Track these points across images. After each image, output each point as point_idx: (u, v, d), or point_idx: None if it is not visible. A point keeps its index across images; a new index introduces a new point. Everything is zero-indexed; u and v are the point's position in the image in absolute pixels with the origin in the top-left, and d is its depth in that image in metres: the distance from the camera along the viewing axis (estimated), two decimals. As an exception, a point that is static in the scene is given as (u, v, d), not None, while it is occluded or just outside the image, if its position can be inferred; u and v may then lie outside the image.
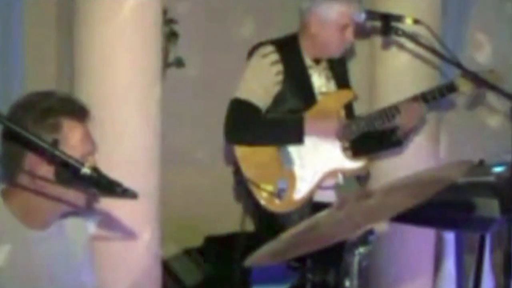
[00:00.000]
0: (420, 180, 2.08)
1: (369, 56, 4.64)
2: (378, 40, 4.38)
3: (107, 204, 2.24)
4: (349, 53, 4.15)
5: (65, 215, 2.31)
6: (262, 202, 3.55)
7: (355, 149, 3.75)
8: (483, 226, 3.00)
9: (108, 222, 2.91)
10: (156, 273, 3.68)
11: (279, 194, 3.49)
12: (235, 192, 4.09)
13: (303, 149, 3.63)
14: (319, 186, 3.62)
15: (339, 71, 3.83)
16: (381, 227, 4.36)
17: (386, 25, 3.36)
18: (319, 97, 3.70)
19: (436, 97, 3.66)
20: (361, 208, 1.88)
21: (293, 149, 3.64)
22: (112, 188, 1.80)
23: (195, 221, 4.97)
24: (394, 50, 4.27)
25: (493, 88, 3.33)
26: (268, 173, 3.59)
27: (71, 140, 2.13)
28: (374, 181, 4.55)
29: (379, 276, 4.50)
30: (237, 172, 3.62)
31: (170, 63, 4.90)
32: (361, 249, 1.87)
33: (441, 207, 3.15)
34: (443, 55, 3.32)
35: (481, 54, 5.25)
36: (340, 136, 3.67)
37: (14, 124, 1.90)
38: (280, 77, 3.61)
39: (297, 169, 3.61)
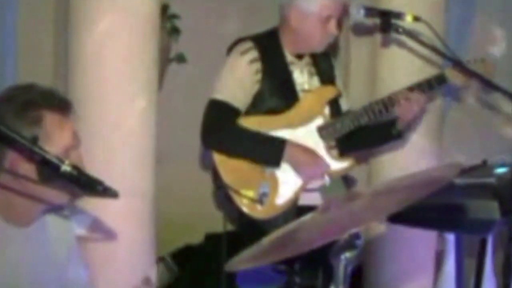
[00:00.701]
0: (409, 183, 2.01)
1: (371, 53, 4.59)
2: (379, 37, 4.32)
3: (101, 203, 2.21)
4: (333, 47, 4.02)
5: (48, 211, 2.27)
6: (244, 209, 3.39)
7: (346, 147, 3.63)
8: (482, 228, 2.95)
9: (99, 224, 2.87)
10: (151, 272, 3.60)
11: (260, 199, 3.32)
12: (215, 198, 3.96)
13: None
14: (303, 189, 3.47)
15: (323, 66, 3.67)
16: (380, 227, 4.32)
17: (385, 22, 3.28)
18: (301, 95, 3.55)
19: (424, 90, 3.52)
20: (347, 211, 1.82)
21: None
22: (92, 186, 1.75)
23: (195, 219, 4.93)
24: (394, 47, 4.20)
25: (483, 79, 3.25)
26: (248, 178, 3.43)
27: (52, 133, 2.08)
28: (373, 181, 4.53)
29: (378, 277, 4.47)
30: (216, 177, 3.48)
31: (172, 58, 4.86)
32: (347, 254, 1.81)
33: (440, 208, 3.11)
34: (444, 53, 3.27)
35: (489, 45, 5.15)
36: (324, 135, 3.53)
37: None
38: (259, 76, 3.45)
39: (279, 173, 3.46)
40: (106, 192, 1.74)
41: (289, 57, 3.56)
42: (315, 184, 3.40)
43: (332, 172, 3.46)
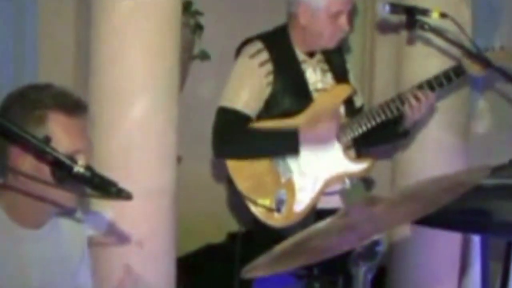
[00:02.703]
0: (436, 187, 1.94)
1: (396, 51, 4.53)
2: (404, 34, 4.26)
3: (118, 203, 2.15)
4: (345, 43, 3.94)
5: (61, 214, 2.25)
6: (260, 217, 3.29)
7: (359, 145, 3.54)
8: (509, 231, 2.90)
9: (114, 227, 2.84)
10: (171, 271, 3.59)
11: (278, 207, 3.20)
12: (229, 205, 3.88)
13: (301, 156, 3.37)
14: (322, 194, 3.38)
15: (336, 62, 3.58)
16: (404, 230, 4.26)
17: (411, 19, 3.24)
18: (315, 95, 3.45)
19: (443, 83, 3.40)
20: (368, 216, 1.75)
21: (290, 157, 3.39)
22: (106, 187, 1.71)
23: (218, 217, 4.91)
24: (420, 44, 4.13)
25: (500, 70, 3.17)
26: (264, 185, 3.33)
27: (56, 134, 2.03)
28: (397, 179, 4.48)
29: (402, 280, 4.43)
30: (231, 184, 3.38)
31: (195, 55, 4.83)
32: (367, 261, 1.75)
33: (465, 210, 3.05)
34: (470, 50, 3.20)
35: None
36: (341, 135, 3.43)
37: (3, 115, 1.96)
38: (271, 78, 3.35)
39: (296, 178, 3.36)
40: (120, 193, 1.72)
41: (301, 56, 3.47)
42: (335, 187, 3.29)
43: (350, 175, 3.34)
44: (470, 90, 4.50)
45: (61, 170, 1.74)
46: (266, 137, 3.35)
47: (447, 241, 4.28)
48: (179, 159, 3.69)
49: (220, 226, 4.91)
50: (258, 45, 3.39)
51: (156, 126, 3.44)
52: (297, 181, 3.35)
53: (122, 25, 3.39)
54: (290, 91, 3.37)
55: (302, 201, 3.35)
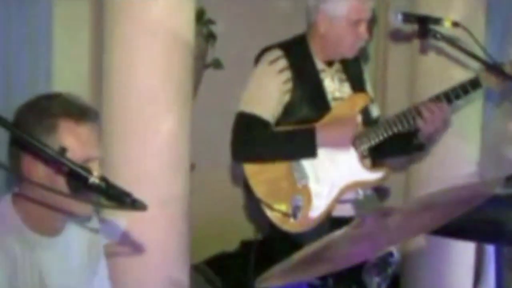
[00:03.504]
0: (449, 199, 1.93)
1: (409, 60, 4.53)
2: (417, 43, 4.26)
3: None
4: (363, 53, 3.92)
5: (76, 223, 2.27)
6: (276, 222, 3.29)
7: (375, 155, 3.53)
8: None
9: (128, 236, 2.85)
10: (184, 280, 3.60)
11: (294, 213, 3.16)
12: (245, 211, 3.88)
13: (318, 162, 3.37)
14: (337, 201, 3.38)
15: (353, 72, 3.58)
16: (418, 239, 4.25)
17: (423, 28, 3.22)
18: (332, 103, 3.45)
19: (460, 96, 3.38)
20: (382, 227, 1.75)
21: (306, 163, 3.37)
22: (121, 198, 1.72)
23: (230, 225, 4.92)
24: (432, 54, 4.13)
25: None
26: (281, 190, 3.33)
27: (67, 142, 2.04)
28: (411, 189, 4.48)
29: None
30: (248, 190, 3.38)
31: (208, 64, 4.85)
32: (381, 272, 1.75)
33: (480, 220, 3.04)
34: (483, 60, 3.19)
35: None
36: (357, 144, 3.42)
37: (17, 125, 1.97)
38: (290, 85, 3.35)
39: (312, 185, 3.35)
40: (134, 204, 1.72)
41: (319, 65, 3.47)
42: (350, 195, 3.30)
43: (365, 184, 3.39)
44: (483, 100, 4.50)
45: (77, 180, 1.74)
46: (283, 137, 3.36)
47: (461, 250, 4.28)
48: (192, 167, 3.70)
49: (234, 234, 4.91)
50: (278, 52, 3.40)
51: (169, 134, 3.46)
52: (313, 187, 3.35)
53: (135, 34, 3.41)
54: (309, 99, 3.38)
55: (317, 208, 3.35)
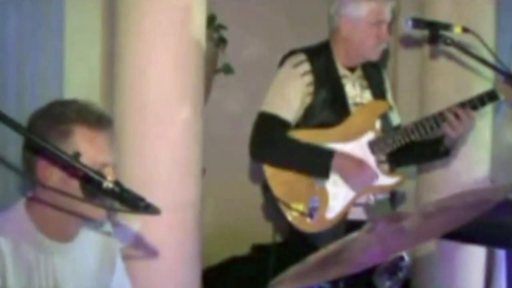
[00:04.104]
0: (459, 204, 1.94)
1: (419, 65, 4.54)
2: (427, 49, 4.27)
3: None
4: (384, 59, 3.93)
5: (90, 228, 2.29)
6: (293, 222, 3.35)
7: (395, 161, 3.55)
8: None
9: (142, 240, 2.87)
10: (196, 283, 3.63)
11: (310, 213, 3.29)
12: (265, 210, 3.91)
13: None
14: (353, 203, 3.40)
15: (374, 80, 3.61)
16: (428, 244, 4.25)
17: (433, 33, 3.24)
18: (352, 108, 3.48)
19: (477, 106, 3.39)
20: (393, 232, 1.76)
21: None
22: (135, 203, 1.73)
23: (241, 229, 4.94)
24: (443, 59, 4.14)
25: None
26: (298, 191, 3.37)
27: (81, 148, 2.05)
28: (422, 195, 4.48)
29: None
30: (266, 189, 3.44)
31: (219, 69, 4.87)
32: (392, 276, 1.77)
33: (490, 225, 3.05)
34: (493, 65, 3.20)
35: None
36: (375, 149, 3.45)
37: (31, 130, 1.99)
38: (311, 88, 3.40)
39: (330, 187, 3.39)
40: (148, 208, 1.72)
41: (342, 70, 3.51)
42: (364, 199, 3.38)
43: (380, 188, 3.43)
44: (493, 108, 4.51)
45: (91, 185, 1.75)
46: (302, 149, 3.39)
47: (472, 254, 4.28)
48: (203, 171, 3.72)
49: (244, 238, 4.93)
50: (301, 56, 3.45)
51: (180, 139, 3.48)
52: (330, 189, 3.39)
53: (146, 40, 3.44)
54: (329, 103, 3.42)
55: (334, 209, 3.39)
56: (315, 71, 3.42)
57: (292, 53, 3.51)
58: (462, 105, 3.39)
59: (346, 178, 3.40)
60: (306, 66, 3.42)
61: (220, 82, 4.85)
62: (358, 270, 1.61)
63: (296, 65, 3.44)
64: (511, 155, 4.78)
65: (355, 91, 3.53)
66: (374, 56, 3.51)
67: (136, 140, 3.43)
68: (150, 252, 3.09)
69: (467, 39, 3.35)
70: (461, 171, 4.33)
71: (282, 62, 3.52)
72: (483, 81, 4.15)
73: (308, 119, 3.43)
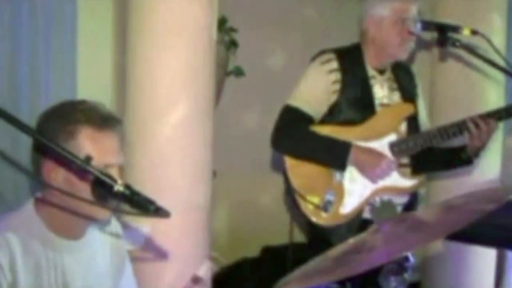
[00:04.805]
0: (462, 205, 1.96)
1: (429, 67, 4.55)
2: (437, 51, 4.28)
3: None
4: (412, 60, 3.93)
5: (99, 228, 2.32)
6: (308, 214, 3.43)
7: (418, 166, 3.59)
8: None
9: (151, 242, 2.88)
10: (206, 285, 3.62)
11: (325, 207, 3.37)
12: (285, 202, 3.97)
13: None
14: (368, 202, 3.44)
15: (405, 83, 3.66)
16: (438, 245, 4.26)
17: (442, 36, 3.26)
18: (379, 109, 3.53)
19: (502, 118, 3.44)
20: (398, 233, 1.79)
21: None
22: (145, 206, 1.75)
23: (252, 231, 4.96)
24: (452, 62, 4.15)
25: None
26: (316, 184, 3.46)
27: (86, 148, 2.07)
28: (433, 198, 4.49)
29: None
30: (286, 181, 3.51)
31: (230, 72, 4.88)
32: (397, 276, 1.80)
33: (499, 226, 3.06)
34: (502, 67, 3.21)
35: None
36: (396, 151, 3.49)
37: (39, 130, 2.04)
38: (337, 86, 3.46)
39: (347, 183, 3.46)
40: (158, 211, 1.73)
41: (371, 71, 3.57)
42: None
43: (397, 189, 3.48)
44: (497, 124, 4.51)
45: (102, 188, 1.77)
46: (320, 142, 3.47)
47: (482, 256, 4.28)
48: (214, 174, 3.74)
49: (254, 241, 4.94)
50: (331, 55, 3.52)
51: (190, 142, 3.51)
52: (347, 185, 3.46)
53: (157, 43, 3.46)
54: (354, 102, 3.48)
55: (348, 205, 3.45)
56: (342, 69, 3.48)
57: (322, 52, 3.58)
58: (488, 115, 3.41)
59: (363, 170, 3.45)
60: (334, 64, 3.49)
61: (231, 84, 4.86)
62: (364, 270, 1.62)
63: (324, 62, 3.50)
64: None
65: (383, 92, 3.58)
66: (401, 55, 3.54)
67: (147, 143, 3.45)
68: (160, 255, 3.11)
69: (477, 41, 3.35)
70: (472, 176, 4.34)
71: (312, 60, 3.59)
72: (493, 83, 4.16)
73: (333, 116, 3.49)
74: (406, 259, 1.78)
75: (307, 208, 3.43)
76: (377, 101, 3.54)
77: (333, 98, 3.47)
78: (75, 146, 2.06)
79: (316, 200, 3.40)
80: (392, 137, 3.52)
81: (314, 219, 3.43)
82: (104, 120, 2.14)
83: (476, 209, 1.89)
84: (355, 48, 3.61)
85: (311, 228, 3.53)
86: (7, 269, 2.03)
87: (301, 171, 3.48)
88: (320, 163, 3.46)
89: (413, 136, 3.53)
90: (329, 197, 3.39)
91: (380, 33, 3.50)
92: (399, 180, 3.49)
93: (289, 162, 3.50)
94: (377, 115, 3.52)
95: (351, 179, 3.46)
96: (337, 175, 3.47)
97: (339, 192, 3.45)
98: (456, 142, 3.54)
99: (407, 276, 1.81)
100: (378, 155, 3.45)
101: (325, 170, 3.47)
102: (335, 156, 3.45)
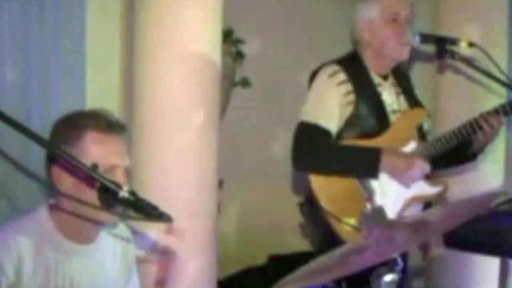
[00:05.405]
0: (446, 213, 2.08)
1: (430, 79, 4.61)
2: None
3: (161, 225, 2.19)
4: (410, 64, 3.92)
5: (109, 232, 2.41)
6: (345, 236, 3.24)
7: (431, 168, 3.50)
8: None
9: (159, 246, 2.95)
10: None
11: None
12: (307, 222, 3.76)
13: (382, 176, 3.37)
14: (401, 214, 3.34)
15: (406, 86, 3.62)
16: (438, 249, 4.29)
17: (441, 48, 3.30)
18: (391, 116, 3.47)
19: (508, 112, 3.39)
20: (387, 237, 1.90)
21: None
22: (148, 211, 1.83)
23: (259, 240, 5.01)
24: (453, 74, 4.21)
25: None
26: (348, 205, 3.28)
27: (91, 150, 2.20)
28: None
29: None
30: (310, 202, 3.38)
31: (236, 82, 4.94)
32: (387, 277, 1.90)
33: (499, 234, 3.12)
34: (499, 79, 3.27)
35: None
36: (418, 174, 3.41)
37: (52, 136, 2.18)
38: (351, 98, 3.37)
39: (379, 199, 3.31)
40: (161, 217, 1.82)
41: (376, 78, 3.51)
42: (412, 211, 3.37)
43: (425, 198, 3.45)
44: (507, 120, 4.56)
45: (108, 194, 1.87)
46: (347, 151, 3.38)
47: (484, 261, 4.28)
48: (220, 183, 3.78)
49: (261, 249, 4.98)
50: (335, 67, 3.43)
51: (197, 152, 3.55)
52: (380, 201, 3.24)
53: (163, 54, 3.51)
54: (370, 113, 3.41)
55: None
56: (351, 80, 3.40)
57: (324, 65, 3.48)
58: (494, 111, 3.39)
59: (396, 174, 3.37)
60: (342, 76, 3.40)
61: (238, 95, 4.91)
62: (358, 270, 1.72)
63: (332, 75, 3.41)
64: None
65: (391, 98, 3.53)
66: (401, 55, 3.48)
67: (154, 154, 3.50)
68: (168, 258, 3.17)
69: (475, 54, 3.41)
70: (475, 184, 4.37)
71: (313, 76, 3.49)
72: (493, 95, 4.21)
73: (350, 129, 3.40)
74: (395, 261, 1.88)
75: (344, 230, 3.25)
76: (388, 108, 3.49)
77: (348, 110, 3.38)
78: (82, 149, 2.18)
79: (352, 221, 3.16)
80: (412, 145, 3.47)
81: (352, 240, 3.25)
82: (109, 125, 2.27)
83: (461, 214, 2.00)
84: (353, 56, 3.54)
85: (328, 243, 3.21)
86: (11, 269, 2.12)
87: (330, 193, 3.34)
88: (350, 175, 3.35)
89: (432, 142, 3.47)
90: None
91: (374, 35, 3.45)
92: (425, 188, 3.44)
93: (317, 184, 3.36)
94: (394, 124, 3.46)
95: (382, 194, 3.36)
96: (367, 192, 3.34)
97: None
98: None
99: (395, 277, 1.91)
100: (409, 157, 3.38)
101: (354, 189, 3.36)
102: (366, 163, 3.34)
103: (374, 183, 3.36)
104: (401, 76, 3.63)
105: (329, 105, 3.38)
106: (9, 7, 3.63)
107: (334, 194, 3.34)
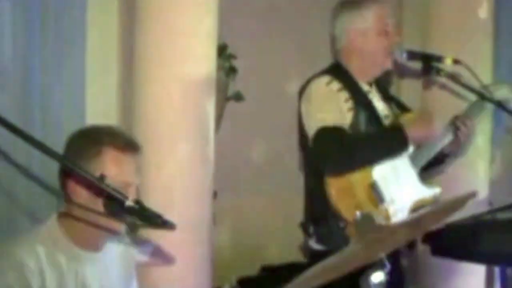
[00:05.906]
0: (424, 215, 2.29)
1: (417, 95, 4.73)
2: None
3: (158, 234, 2.24)
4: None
5: (114, 239, 2.51)
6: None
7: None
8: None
9: (159, 251, 3.03)
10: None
11: None
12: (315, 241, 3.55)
13: (389, 183, 3.37)
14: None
15: (385, 91, 3.69)
16: (428, 257, 4.36)
17: (427, 65, 3.42)
18: (384, 121, 3.51)
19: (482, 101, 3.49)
20: (375, 241, 2.06)
21: (382, 184, 3.34)
22: (152, 219, 1.95)
23: (251, 250, 5.07)
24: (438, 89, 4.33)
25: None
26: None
27: (109, 168, 2.30)
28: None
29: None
30: (315, 220, 3.41)
31: (230, 97, 4.98)
32: (375, 278, 2.04)
33: (485, 242, 3.22)
34: (483, 95, 3.39)
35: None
36: (416, 162, 3.49)
37: (67, 149, 2.28)
38: (350, 104, 3.37)
39: (389, 206, 3.33)
40: (164, 224, 1.94)
41: (364, 86, 3.53)
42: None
43: (426, 202, 3.45)
44: (492, 127, 4.68)
45: (115, 203, 1.98)
46: (373, 138, 3.41)
47: (472, 268, 4.41)
48: (215, 194, 3.87)
49: (253, 259, 5.02)
50: (327, 77, 3.43)
51: (194, 166, 3.64)
52: (391, 208, 3.35)
53: (160, 70, 3.60)
54: (368, 120, 3.43)
55: None
56: (346, 88, 3.40)
57: (313, 77, 3.47)
58: (466, 114, 3.53)
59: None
60: (337, 84, 3.39)
61: (231, 109, 5.01)
62: (349, 271, 1.86)
63: (328, 83, 3.39)
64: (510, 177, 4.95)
65: (381, 104, 3.59)
66: (387, 64, 3.54)
67: (155, 168, 3.56)
68: (168, 262, 3.23)
69: (460, 70, 3.52)
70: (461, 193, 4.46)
71: (303, 90, 3.47)
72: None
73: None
74: (382, 263, 2.03)
75: None
76: (381, 114, 3.54)
77: (349, 116, 3.37)
78: (99, 164, 2.29)
79: None
80: (410, 149, 3.48)
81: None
82: (125, 144, 2.38)
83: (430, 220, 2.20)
84: (337, 67, 3.53)
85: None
86: (37, 274, 2.24)
87: (349, 203, 3.31)
88: (385, 158, 3.35)
89: (426, 145, 3.53)
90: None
91: (365, 44, 3.47)
92: (424, 192, 3.48)
93: (335, 197, 3.31)
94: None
95: (391, 201, 3.36)
96: (380, 200, 3.34)
97: (387, 217, 3.31)
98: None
99: (383, 279, 2.05)
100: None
101: (371, 198, 3.34)
102: (397, 142, 3.37)
103: (384, 191, 3.36)
104: (380, 83, 3.68)
105: (338, 107, 3.37)
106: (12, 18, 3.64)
107: (351, 204, 3.29)
